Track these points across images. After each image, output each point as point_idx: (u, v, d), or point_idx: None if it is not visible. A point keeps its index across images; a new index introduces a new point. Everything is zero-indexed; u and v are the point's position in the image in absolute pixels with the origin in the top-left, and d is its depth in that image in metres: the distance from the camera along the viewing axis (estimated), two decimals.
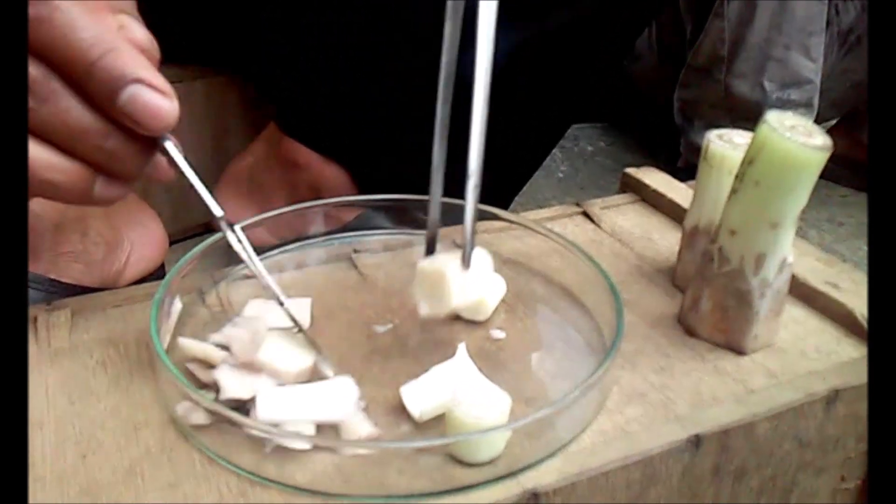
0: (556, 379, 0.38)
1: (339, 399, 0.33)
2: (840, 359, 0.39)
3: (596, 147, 1.30)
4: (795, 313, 0.43)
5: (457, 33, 0.38)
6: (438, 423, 0.33)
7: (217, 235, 0.42)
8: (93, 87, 0.29)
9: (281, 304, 0.37)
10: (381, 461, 0.31)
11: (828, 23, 1.02)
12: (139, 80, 0.30)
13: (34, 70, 0.29)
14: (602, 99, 1.31)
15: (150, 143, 0.32)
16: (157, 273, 0.62)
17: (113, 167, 0.31)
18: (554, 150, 0.96)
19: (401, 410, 0.34)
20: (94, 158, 0.31)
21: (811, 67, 1.01)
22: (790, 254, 0.38)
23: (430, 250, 0.40)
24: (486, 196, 0.49)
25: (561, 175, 1.19)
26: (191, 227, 0.85)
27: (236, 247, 0.36)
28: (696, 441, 0.34)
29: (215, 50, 0.71)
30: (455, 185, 0.42)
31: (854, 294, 0.43)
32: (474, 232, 0.38)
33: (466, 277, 0.38)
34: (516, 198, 0.80)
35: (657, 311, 0.43)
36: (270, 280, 0.37)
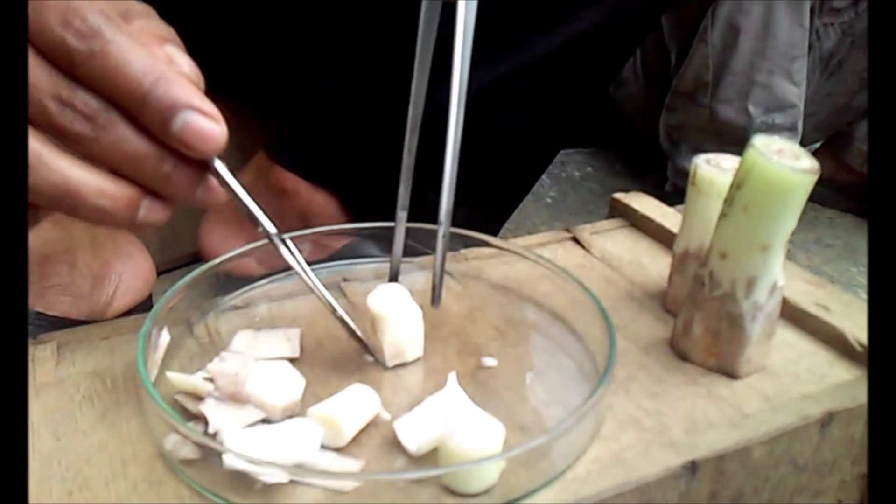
0: (549, 406, 0.38)
1: (304, 439, 0.33)
2: (833, 381, 0.39)
3: (584, 172, 1.31)
4: (787, 336, 0.43)
5: (426, 65, 0.40)
6: (432, 454, 0.33)
7: (204, 266, 0.42)
8: (146, 114, 0.31)
9: (335, 313, 0.38)
10: (373, 494, 0.30)
11: (809, 48, 1.04)
12: (190, 107, 0.31)
13: (94, 102, 0.30)
14: (589, 125, 1.32)
15: (201, 166, 0.33)
16: (145, 304, 0.62)
17: (165, 190, 0.33)
18: (542, 176, 0.97)
19: (394, 443, 0.34)
20: (147, 182, 0.32)
21: (795, 92, 1.03)
22: (781, 277, 0.38)
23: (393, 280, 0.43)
24: (475, 222, 0.49)
25: (549, 200, 1.19)
26: (178, 257, 0.84)
27: (290, 261, 0.37)
28: (692, 467, 0.34)
29: (205, 77, 0.72)
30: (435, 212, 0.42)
31: (845, 316, 0.43)
32: (443, 276, 0.39)
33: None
34: (506, 224, 0.80)
35: (649, 336, 0.43)
36: (327, 295, 0.38)
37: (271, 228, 0.36)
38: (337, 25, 0.65)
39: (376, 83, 0.65)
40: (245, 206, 0.35)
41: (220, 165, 0.34)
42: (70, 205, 0.31)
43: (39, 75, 0.30)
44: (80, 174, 0.31)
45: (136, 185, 0.32)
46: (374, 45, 0.63)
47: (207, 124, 0.31)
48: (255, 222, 0.36)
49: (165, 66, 0.31)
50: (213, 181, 0.34)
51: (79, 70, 0.30)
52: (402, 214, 0.43)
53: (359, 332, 0.39)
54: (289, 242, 0.37)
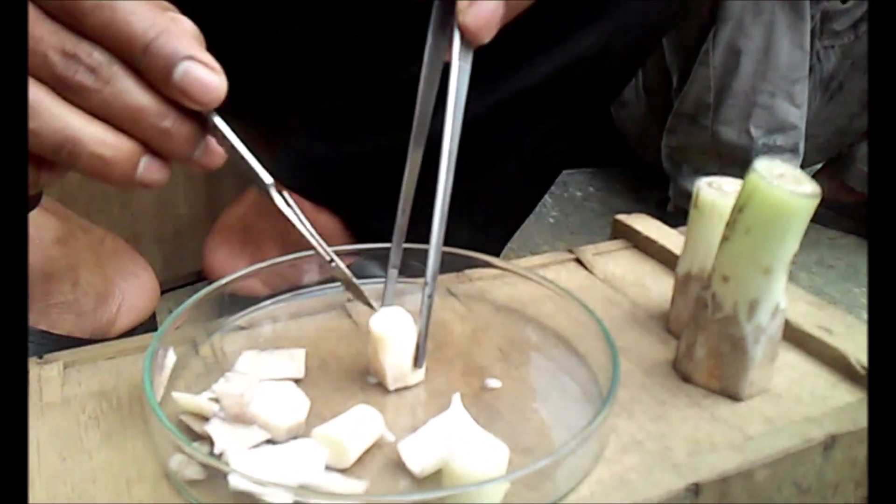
0: (553, 428, 0.38)
1: (308, 460, 0.33)
2: (836, 403, 0.39)
3: (586, 192, 1.31)
4: (789, 358, 0.43)
5: (430, 102, 0.41)
6: (436, 475, 0.33)
7: (210, 287, 0.42)
8: (149, 65, 0.31)
9: (331, 262, 0.39)
10: None
11: (810, 70, 1.04)
12: (191, 57, 0.32)
13: (98, 54, 0.31)
14: (591, 145, 1.32)
15: (200, 126, 0.34)
16: (149, 323, 0.62)
17: (164, 146, 0.33)
18: (544, 197, 0.97)
19: (398, 465, 0.34)
20: (147, 137, 0.33)
21: (796, 113, 1.03)
22: (783, 299, 0.38)
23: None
24: (478, 243, 0.49)
25: (551, 220, 1.20)
26: (182, 275, 0.84)
27: (287, 213, 0.37)
28: (696, 490, 0.34)
29: None
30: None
31: (847, 338, 0.43)
32: (427, 336, 0.39)
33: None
34: (508, 244, 0.80)
35: (652, 358, 0.43)
36: (322, 243, 0.38)
37: (268, 179, 0.36)
38: (342, 27, 0.65)
39: (381, 85, 0.65)
40: (242, 158, 0.35)
41: (219, 121, 0.34)
42: (71, 152, 0.31)
43: (43, 28, 0.31)
44: (82, 122, 0.31)
45: (136, 141, 0.33)
46: (379, 46, 0.63)
47: (208, 74, 0.32)
48: (253, 175, 0.36)
49: (168, 20, 0.32)
50: (213, 142, 0.34)
51: (85, 21, 0.31)
52: (392, 272, 0.43)
53: (363, 291, 0.40)
54: (285, 195, 0.37)
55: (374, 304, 0.41)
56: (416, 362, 0.39)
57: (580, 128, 0.75)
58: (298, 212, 0.37)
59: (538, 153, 0.70)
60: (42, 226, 0.59)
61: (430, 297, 0.39)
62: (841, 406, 0.39)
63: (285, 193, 0.37)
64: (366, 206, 0.67)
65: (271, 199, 0.36)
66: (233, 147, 0.35)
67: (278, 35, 0.68)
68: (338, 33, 0.66)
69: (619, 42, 0.66)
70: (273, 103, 0.74)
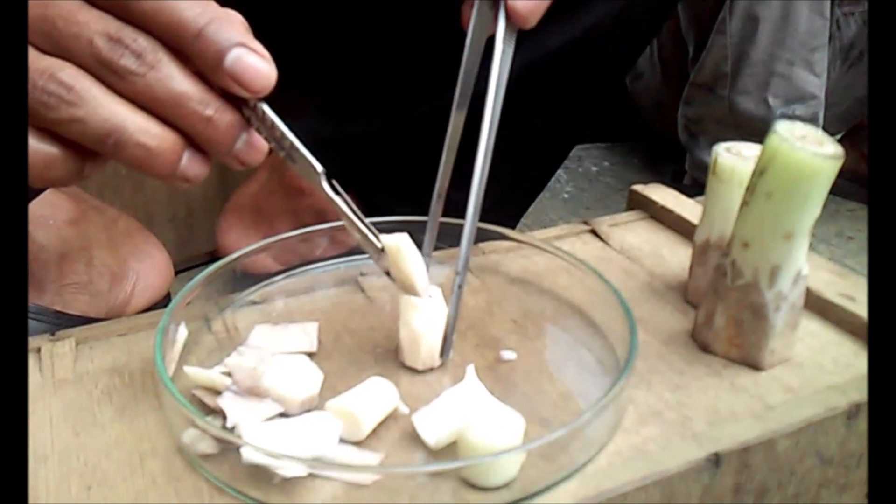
0: (569, 399, 0.37)
1: (322, 433, 0.32)
2: (859, 372, 0.39)
3: (600, 167, 1.30)
4: (811, 326, 0.42)
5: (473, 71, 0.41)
6: (451, 447, 0.33)
7: (221, 262, 0.42)
8: (200, 51, 0.31)
9: (381, 250, 0.37)
10: (392, 487, 0.30)
11: (830, 38, 1.02)
12: (243, 44, 0.32)
13: (143, 40, 0.31)
14: (605, 119, 1.31)
15: (242, 117, 0.33)
16: (163, 302, 0.62)
17: (206, 135, 0.33)
18: (559, 171, 0.96)
19: (413, 437, 0.34)
20: (189, 125, 0.33)
21: (815, 82, 1.01)
22: (805, 266, 0.37)
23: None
24: (492, 217, 0.49)
25: (566, 196, 1.19)
26: (196, 255, 0.84)
27: (337, 201, 0.36)
28: (716, 460, 0.33)
29: None
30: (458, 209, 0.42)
31: None
32: (454, 326, 0.39)
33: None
34: (522, 219, 0.80)
35: (670, 328, 0.42)
36: (374, 231, 0.37)
37: (318, 168, 0.35)
38: (351, 12, 0.65)
39: (388, 67, 0.64)
40: (293, 146, 0.35)
41: (266, 108, 0.34)
42: (117, 142, 0.31)
43: (88, 15, 0.31)
44: (128, 111, 0.31)
45: (180, 135, 0.33)
46: (386, 31, 0.63)
47: (259, 61, 0.32)
48: (304, 164, 0.35)
49: (219, 9, 0.32)
50: (253, 136, 0.34)
51: (134, 7, 0.31)
52: (436, 209, 0.43)
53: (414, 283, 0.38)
54: (335, 183, 0.36)
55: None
56: (443, 353, 0.39)
57: (593, 100, 0.74)
58: (349, 199, 0.37)
59: (550, 126, 0.69)
60: (55, 206, 0.59)
61: (461, 287, 0.39)
62: (864, 374, 0.38)
63: (335, 182, 0.36)
64: (376, 183, 0.67)
65: (321, 187, 0.36)
66: (283, 135, 0.34)
67: (287, 18, 0.67)
68: (347, 18, 0.65)
69: (632, 10, 0.65)
70: (282, 84, 0.74)
